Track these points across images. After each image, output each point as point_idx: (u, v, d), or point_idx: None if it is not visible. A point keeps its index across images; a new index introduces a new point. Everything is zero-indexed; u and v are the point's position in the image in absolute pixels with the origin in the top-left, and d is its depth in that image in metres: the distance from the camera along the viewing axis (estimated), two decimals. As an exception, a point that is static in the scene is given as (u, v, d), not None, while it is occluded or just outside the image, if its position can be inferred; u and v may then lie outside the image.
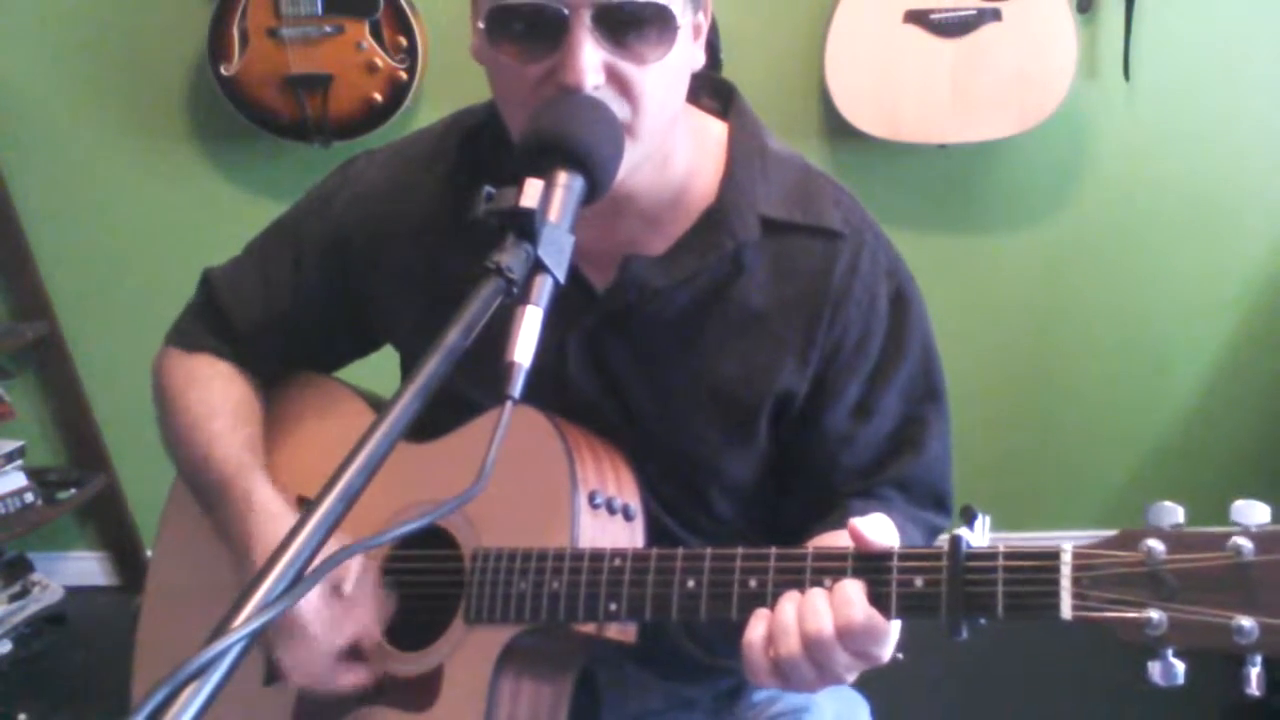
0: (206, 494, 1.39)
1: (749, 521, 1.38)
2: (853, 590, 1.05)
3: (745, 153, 1.30)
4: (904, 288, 1.33)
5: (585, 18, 1.11)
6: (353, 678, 1.28)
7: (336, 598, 1.27)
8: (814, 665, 1.06)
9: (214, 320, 1.49)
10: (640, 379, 1.32)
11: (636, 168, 1.18)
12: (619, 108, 1.14)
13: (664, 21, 1.14)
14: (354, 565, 1.28)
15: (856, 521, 1.08)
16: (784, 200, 1.29)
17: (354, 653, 1.28)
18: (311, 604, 1.25)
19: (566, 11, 1.10)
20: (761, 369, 1.29)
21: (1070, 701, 2.88)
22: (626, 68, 1.13)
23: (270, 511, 1.32)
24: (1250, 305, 3.26)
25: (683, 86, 1.22)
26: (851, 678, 1.09)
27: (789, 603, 1.08)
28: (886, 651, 1.07)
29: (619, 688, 1.38)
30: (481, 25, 1.16)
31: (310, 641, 1.25)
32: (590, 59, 1.11)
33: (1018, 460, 3.40)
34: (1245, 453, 3.32)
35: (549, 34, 1.12)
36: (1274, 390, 3.31)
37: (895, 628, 1.06)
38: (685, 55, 1.20)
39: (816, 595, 1.06)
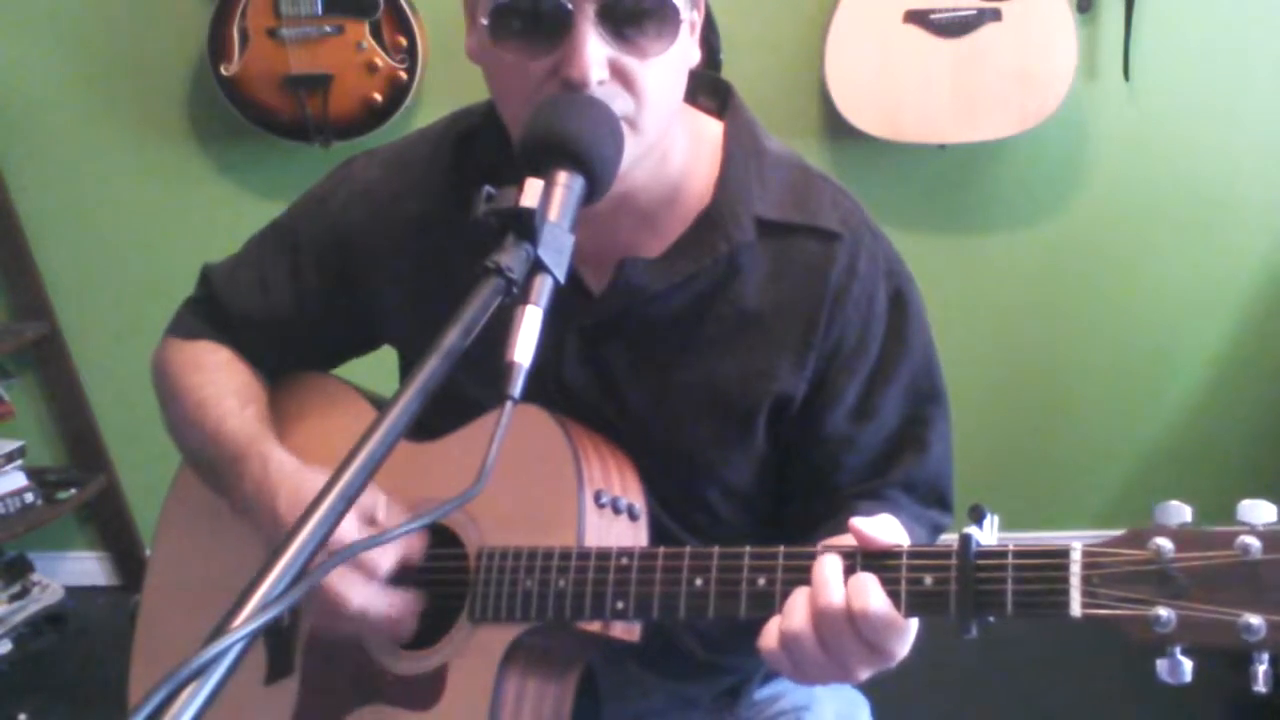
0: (218, 469, 1.37)
1: (750, 523, 1.38)
2: (868, 580, 1.04)
3: (741, 153, 1.30)
4: (903, 288, 1.32)
5: (589, 13, 1.11)
6: (407, 598, 1.26)
7: (373, 526, 1.25)
8: (823, 647, 1.05)
9: (213, 315, 1.49)
10: (637, 380, 1.31)
11: (636, 163, 1.18)
12: (622, 102, 1.14)
13: (667, 15, 1.14)
14: (381, 497, 1.27)
15: (857, 521, 1.07)
16: (780, 201, 1.29)
17: (399, 580, 1.26)
18: (352, 534, 1.22)
19: (570, 7, 1.11)
20: (759, 371, 1.29)
21: (1073, 701, 2.88)
22: (630, 62, 1.13)
23: (290, 469, 1.31)
24: (1251, 304, 3.27)
25: (682, 82, 1.22)
26: (864, 674, 1.08)
27: (800, 589, 1.07)
28: (903, 649, 1.07)
29: (621, 687, 1.38)
30: (484, 22, 1.16)
31: (361, 566, 1.23)
32: (595, 54, 1.11)
33: (1019, 460, 3.40)
34: (1247, 451, 3.32)
35: (553, 30, 1.12)
36: (1275, 389, 3.31)
37: (913, 626, 1.06)
38: (684, 51, 1.20)
39: (830, 571, 1.05)
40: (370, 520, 1.26)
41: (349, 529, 1.22)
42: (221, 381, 1.43)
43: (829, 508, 1.31)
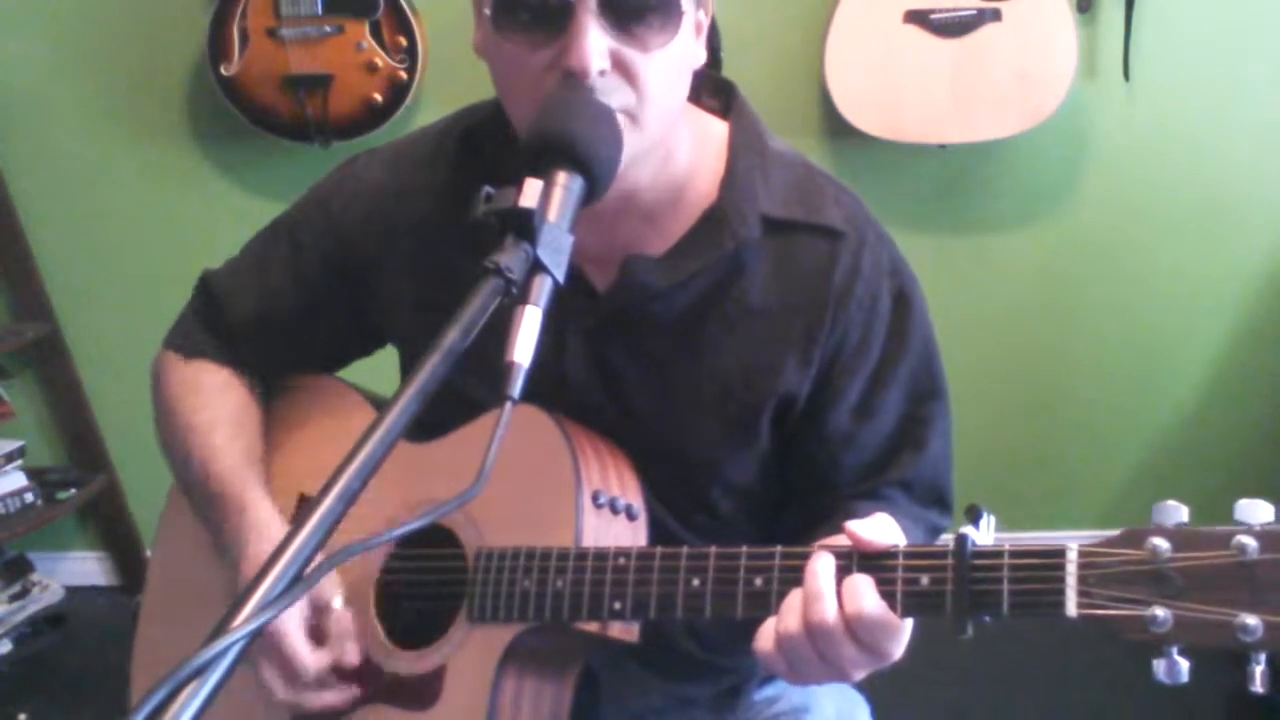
0: (203, 505, 1.39)
1: (752, 522, 1.38)
2: (863, 582, 1.04)
3: (746, 152, 1.30)
4: (906, 287, 1.33)
5: (591, 4, 1.11)
6: (333, 696, 1.28)
7: (323, 614, 1.28)
8: (817, 652, 1.05)
9: (212, 323, 1.48)
10: (641, 379, 1.32)
11: (637, 160, 1.18)
12: (623, 95, 1.14)
13: (668, 9, 1.14)
14: (339, 594, 1.29)
15: (852, 525, 1.07)
16: (785, 199, 1.29)
17: (338, 671, 1.28)
18: (292, 620, 1.25)
19: None
20: (763, 369, 1.29)
21: (1072, 699, 2.88)
22: (631, 55, 1.14)
23: (265, 530, 1.32)
24: (1250, 304, 3.27)
25: (685, 81, 1.22)
26: (860, 674, 1.08)
27: (795, 591, 1.08)
28: (898, 649, 1.07)
29: (620, 687, 1.38)
30: (488, 12, 1.17)
31: (286, 667, 1.26)
32: (595, 44, 1.11)
33: (1018, 460, 3.40)
34: (1246, 451, 3.32)
35: (555, 21, 1.12)
36: (1274, 389, 3.31)
37: (908, 625, 1.06)
38: (688, 49, 1.20)
39: (822, 581, 1.06)
40: (324, 609, 1.28)
41: (291, 617, 1.25)
42: (214, 410, 1.43)
43: (828, 507, 1.31)
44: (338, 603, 1.29)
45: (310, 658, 1.26)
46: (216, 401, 1.45)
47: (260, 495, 1.36)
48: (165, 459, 1.48)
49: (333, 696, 1.28)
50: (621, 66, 1.14)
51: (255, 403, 1.48)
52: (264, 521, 1.33)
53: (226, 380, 1.47)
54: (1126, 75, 3.09)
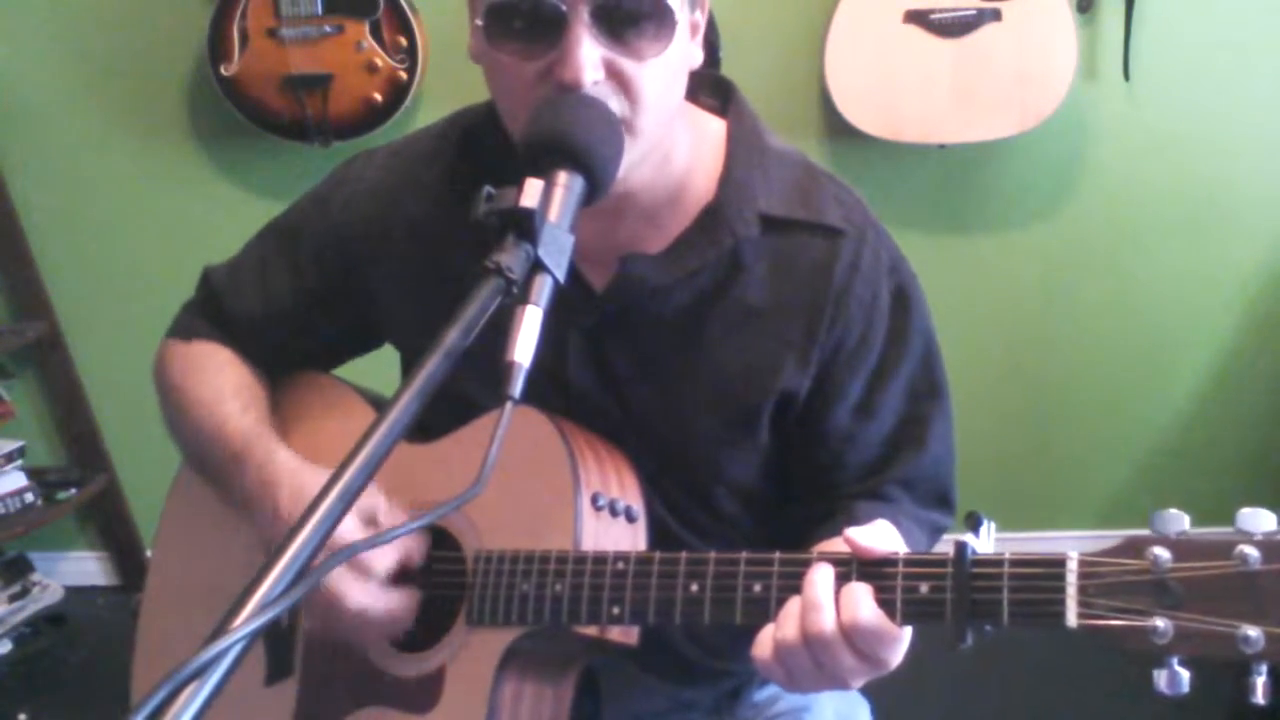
0: (219, 468, 1.37)
1: (753, 522, 1.38)
2: (860, 591, 1.04)
3: (744, 150, 1.30)
4: (905, 285, 1.32)
5: (583, 14, 1.11)
6: (405, 598, 1.26)
7: (373, 528, 1.25)
8: (815, 661, 1.05)
9: (213, 317, 1.49)
10: (641, 378, 1.31)
11: (636, 165, 1.18)
12: (617, 104, 1.13)
13: (662, 17, 1.14)
14: (382, 499, 1.27)
15: (852, 531, 1.07)
16: (784, 197, 1.29)
17: (400, 577, 1.26)
18: (352, 535, 1.22)
19: (564, 8, 1.10)
20: (763, 367, 1.29)
21: (1072, 703, 2.87)
22: (625, 64, 1.13)
23: (292, 465, 1.31)
24: (1250, 304, 3.27)
25: (681, 84, 1.22)
26: (858, 683, 1.08)
27: (793, 600, 1.08)
28: (896, 657, 1.07)
29: (620, 689, 1.38)
30: (480, 23, 1.16)
31: (358, 566, 1.23)
32: (589, 55, 1.11)
33: (1017, 460, 3.40)
34: (1245, 452, 3.32)
35: (547, 31, 1.12)
36: (1274, 389, 3.31)
37: (906, 634, 1.06)
38: (683, 52, 1.19)
39: (820, 591, 1.05)
40: (371, 521, 1.26)
41: (349, 530, 1.22)
42: (222, 384, 1.43)
43: (830, 507, 1.31)
44: (383, 510, 1.26)
45: (380, 555, 1.23)
46: (222, 379, 1.44)
47: (281, 446, 1.34)
48: (172, 436, 1.47)
49: (399, 599, 1.25)
50: (616, 75, 1.13)
51: (260, 382, 1.47)
52: (293, 466, 1.31)
53: (229, 359, 1.47)
54: (1126, 75, 3.09)
